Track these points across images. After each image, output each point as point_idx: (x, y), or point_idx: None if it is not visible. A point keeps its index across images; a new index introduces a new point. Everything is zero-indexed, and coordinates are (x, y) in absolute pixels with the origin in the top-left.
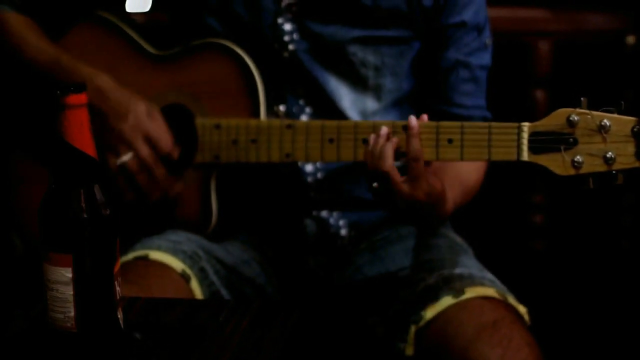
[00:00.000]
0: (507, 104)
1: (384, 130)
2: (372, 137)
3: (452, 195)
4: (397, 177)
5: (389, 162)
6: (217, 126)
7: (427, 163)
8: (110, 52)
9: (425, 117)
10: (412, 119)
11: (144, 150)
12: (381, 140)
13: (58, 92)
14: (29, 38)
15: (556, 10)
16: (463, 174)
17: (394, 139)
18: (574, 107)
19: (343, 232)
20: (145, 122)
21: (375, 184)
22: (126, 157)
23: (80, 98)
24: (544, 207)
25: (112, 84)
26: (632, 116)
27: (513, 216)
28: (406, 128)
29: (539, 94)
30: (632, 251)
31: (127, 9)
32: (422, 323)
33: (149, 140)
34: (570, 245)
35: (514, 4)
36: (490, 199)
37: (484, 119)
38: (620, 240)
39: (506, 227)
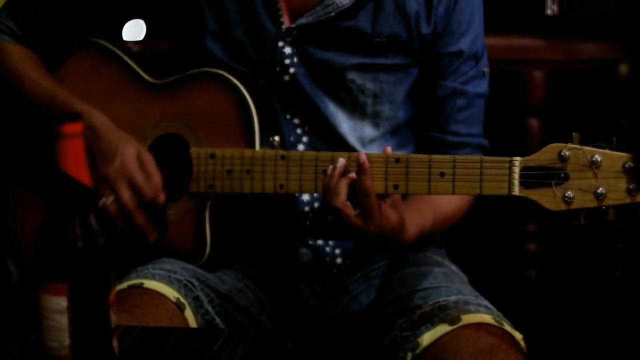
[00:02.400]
0: (501, 133)
1: (340, 162)
2: (329, 169)
3: (420, 222)
4: (349, 211)
5: (341, 199)
6: (212, 156)
7: (383, 196)
8: (107, 79)
9: (388, 149)
10: (362, 156)
11: (125, 196)
12: (336, 174)
13: (54, 121)
14: (27, 71)
15: (550, 40)
16: (437, 202)
17: (350, 175)
18: (567, 140)
19: (338, 260)
20: (131, 167)
21: (329, 217)
22: (107, 200)
23: (76, 127)
24: (538, 236)
25: (105, 123)
26: (626, 148)
27: (507, 244)
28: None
29: (533, 123)
30: (625, 279)
31: (124, 37)
32: (418, 350)
33: (133, 186)
34: (564, 273)
35: (508, 33)
36: (485, 228)
37: (480, 147)
38: (613, 268)
39: (501, 255)
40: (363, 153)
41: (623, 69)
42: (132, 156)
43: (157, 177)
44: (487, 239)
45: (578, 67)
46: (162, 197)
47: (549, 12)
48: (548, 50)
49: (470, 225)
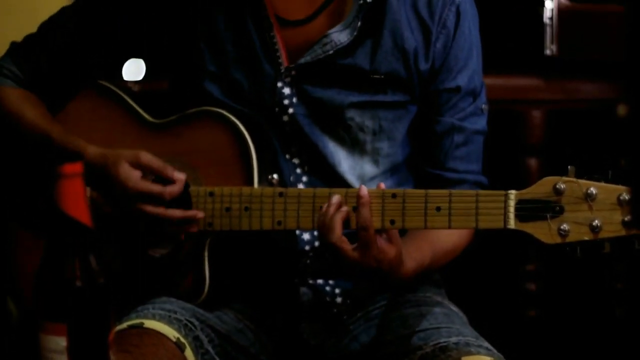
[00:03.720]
0: (499, 172)
1: (334, 199)
2: (324, 206)
3: (419, 257)
4: (346, 246)
5: (337, 234)
6: (211, 194)
7: (380, 231)
8: (109, 119)
9: (382, 185)
10: (363, 188)
11: (149, 210)
12: (331, 210)
13: (54, 161)
14: (25, 112)
15: (549, 79)
16: (436, 236)
17: (344, 209)
18: (562, 175)
19: (338, 300)
20: (132, 182)
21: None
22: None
23: (76, 167)
24: (537, 276)
25: (97, 154)
26: (622, 184)
27: (507, 284)
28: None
29: (532, 162)
30: (625, 319)
31: (124, 77)
32: None
33: (148, 197)
34: (564, 313)
35: (507, 73)
36: (484, 268)
37: (479, 184)
38: (613, 308)
39: (500, 295)
40: (364, 186)
41: (621, 109)
42: (127, 172)
43: (163, 168)
44: (486, 279)
45: (577, 107)
46: (178, 178)
47: (548, 52)
48: (547, 90)
49: (469, 265)
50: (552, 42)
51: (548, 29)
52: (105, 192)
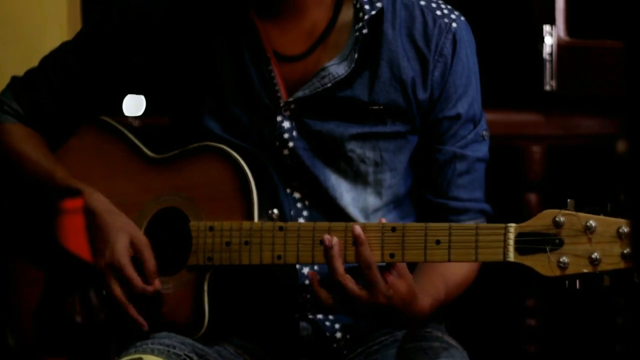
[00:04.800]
0: (499, 208)
1: (326, 241)
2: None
3: (434, 292)
4: (351, 284)
5: (339, 272)
6: (211, 228)
7: (388, 266)
8: (109, 154)
9: (383, 220)
10: (356, 228)
11: (116, 291)
12: (332, 251)
13: (55, 196)
14: (27, 151)
15: (548, 115)
16: (446, 268)
17: (341, 246)
18: (562, 208)
19: (338, 335)
20: (121, 259)
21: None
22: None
23: (77, 203)
24: (537, 311)
25: (103, 205)
26: (622, 217)
27: (507, 320)
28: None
29: (531, 198)
30: (626, 355)
31: (125, 113)
32: None
33: (123, 279)
34: (564, 349)
35: (506, 108)
36: (484, 303)
37: (482, 212)
38: (613, 343)
39: (500, 331)
40: (357, 225)
41: (621, 145)
42: (123, 247)
43: (150, 264)
44: (486, 315)
45: (577, 143)
46: (155, 284)
47: (547, 88)
48: (546, 126)
49: (469, 300)
50: (551, 78)
51: (547, 65)
52: (91, 239)
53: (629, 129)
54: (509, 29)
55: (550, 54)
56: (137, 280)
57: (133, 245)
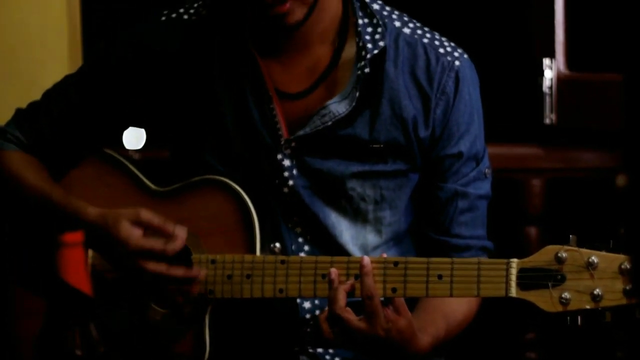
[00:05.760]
0: (499, 241)
1: (333, 274)
2: (331, 272)
3: (434, 331)
4: (351, 316)
5: (340, 304)
6: (213, 261)
7: (387, 301)
8: (112, 187)
9: (384, 255)
10: (365, 259)
11: (150, 267)
12: (333, 283)
13: (55, 230)
14: (26, 176)
15: (548, 148)
16: (447, 307)
17: (349, 282)
18: (564, 244)
19: None
20: (134, 240)
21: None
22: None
23: (77, 237)
24: (538, 344)
25: (98, 214)
26: (624, 253)
27: (507, 353)
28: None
29: (532, 231)
30: None
31: (125, 146)
32: None
33: (149, 254)
34: None
35: (506, 142)
36: (484, 336)
37: (484, 249)
38: None
39: None
40: (367, 257)
41: (620, 179)
42: (128, 230)
43: (164, 224)
44: (487, 347)
45: (576, 176)
46: (181, 236)
47: (547, 121)
48: (546, 159)
49: (470, 333)
50: (551, 111)
51: (547, 98)
52: (106, 253)
53: (629, 163)
54: (509, 62)
55: (550, 87)
56: (159, 245)
57: (138, 223)
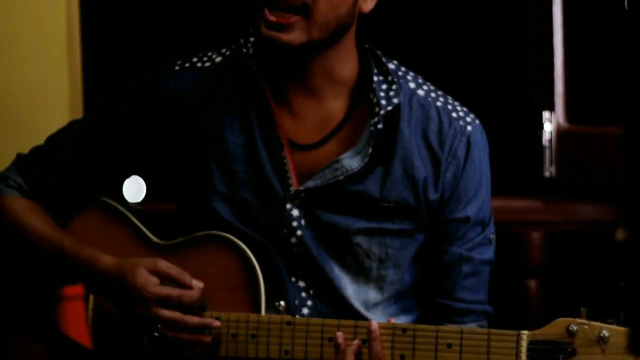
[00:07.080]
0: (499, 294)
1: (339, 338)
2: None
3: None
4: None
5: None
6: (217, 319)
7: None
8: (113, 238)
9: (392, 320)
10: (373, 324)
11: (166, 315)
12: (339, 348)
13: (56, 283)
14: (33, 224)
15: (547, 201)
16: None
17: (355, 343)
18: (574, 314)
19: None
20: (149, 289)
21: None
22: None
23: (77, 290)
24: None
25: (112, 264)
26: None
27: None
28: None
29: (532, 284)
30: None
31: (125, 198)
32: None
33: (165, 302)
34: None
35: (506, 195)
36: None
37: (484, 314)
38: None
39: None
40: (375, 322)
41: (620, 234)
42: (146, 278)
43: (182, 275)
44: None
45: (576, 229)
46: (195, 285)
47: (547, 174)
48: (546, 212)
49: None
50: (551, 164)
51: (547, 151)
52: (117, 301)
53: (628, 217)
54: (509, 115)
55: (550, 140)
56: (176, 292)
57: (156, 272)
